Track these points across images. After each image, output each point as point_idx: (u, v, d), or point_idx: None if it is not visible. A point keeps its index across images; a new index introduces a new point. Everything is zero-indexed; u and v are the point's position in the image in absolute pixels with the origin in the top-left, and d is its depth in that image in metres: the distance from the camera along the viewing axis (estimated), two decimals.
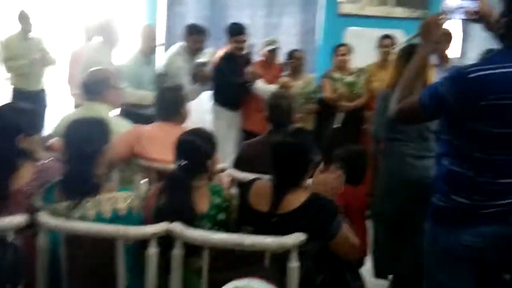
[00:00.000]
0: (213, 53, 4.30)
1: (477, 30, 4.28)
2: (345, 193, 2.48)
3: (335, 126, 4.15)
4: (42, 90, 4.80)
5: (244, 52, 4.28)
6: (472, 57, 4.51)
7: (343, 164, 2.46)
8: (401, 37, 4.55)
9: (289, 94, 3.09)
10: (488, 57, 1.61)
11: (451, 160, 1.66)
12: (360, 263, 2.43)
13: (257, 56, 4.55)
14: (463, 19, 1.76)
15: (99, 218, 1.80)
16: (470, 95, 1.51)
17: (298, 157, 1.89)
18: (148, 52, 3.91)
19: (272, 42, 4.38)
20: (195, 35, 4.02)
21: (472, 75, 1.50)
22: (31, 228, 1.85)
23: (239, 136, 4.36)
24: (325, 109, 4.24)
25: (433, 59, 2.71)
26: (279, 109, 2.57)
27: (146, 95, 3.68)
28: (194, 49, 4.04)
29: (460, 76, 1.53)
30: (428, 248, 1.79)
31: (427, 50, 1.73)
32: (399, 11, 5.09)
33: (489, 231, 1.62)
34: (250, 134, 4.20)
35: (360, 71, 4.32)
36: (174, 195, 1.90)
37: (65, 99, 4.85)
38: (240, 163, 2.60)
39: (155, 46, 3.97)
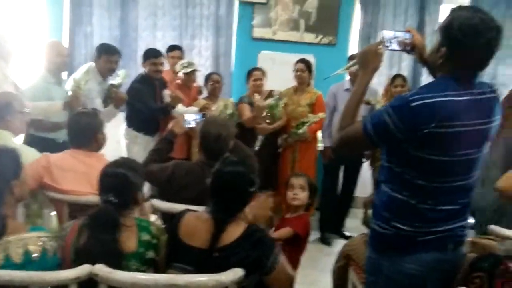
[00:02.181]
0: (125, 74, 4.10)
1: None
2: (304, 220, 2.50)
3: (256, 148, 4.11)
4: None
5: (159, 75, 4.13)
6: None
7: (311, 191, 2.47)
8: (313, 62, 4.68)
9: (224, 121, 2.90)
10: (428, 86, 1.64)
11: (391, 186, 1.67)
12: None
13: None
14: (398, 49, 1.79)
15: (8, 264, 1.59)
16: (413, 123, 1.53)
17: (242, 188, 1.81)
18: (56, 70, 3.57)
19: (189, 65, 4.25)
20: (107, 55, 3.79)
21: (414, 104, 1.52)
22: None
23: None
24: (243, 132, 4.18)
25: None
26: (218, 139, 2.38)
27: (52, 105, 3.34)
28: (105, 70, 3.81)
29: (403, 105, 1.54)
30: (370, 278, 1.78)
31: (367, 79, 1.73)
32: (310, 37, 5.22)
33: (429, 258, 1.64)
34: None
35: (280, 94, 4.32)
36: (99, 233, 1.71)
37: None
38: (169, 188, 2.40)
39: (63, 63, 3.64)
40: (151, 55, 4.09)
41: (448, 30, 1.56)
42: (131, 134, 4.13)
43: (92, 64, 3.82)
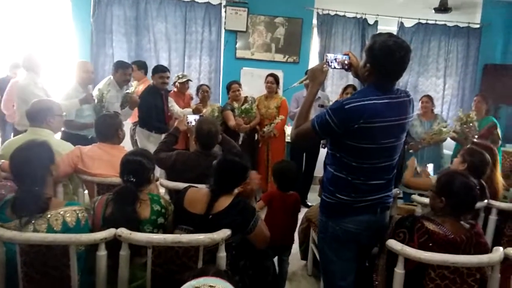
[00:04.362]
0: (137, 84, 4.06)
1: None
2: (272, 193, 2.51)
3: (240, 143, 4.11)
4: None
5: (165, 86, 4.06)
6: None
7: (275, 174, 2.47)
8: (282, 76, 4.70)
9: (214, 120, 2.90)
10: (357, 93, 1.66)
11: (334, 167, 1.69)
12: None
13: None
14: (338, 68, 1.80)
15: (50, 232, 1.57)
16: (347, 120, 1.55)
17: (240, 173, 1.85)
18: (84, 82, 3.54)
19: (183, 76, 4.26)
20: (123, 69, 3.74)
21: (347, 106, 1.54)
22: None
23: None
24: (228, 130, 4.19)
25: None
26: (209, 134, 2.37)
27: (72, 102, 3.32)
28: (121, 81, 3.75)
29: (339, 107, 1.57)
30: (320, 235, 1.82)
31: (315, 90, 1.75)
32: (279, 57, 5.27)
33: (363, 219, 1.68)
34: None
35: (252, 100, 4.35)
36: (122, 205, 1.73)
37: None
38: (173, 171, 2.41)
39: (89, 78, 3.59)
40: (159, 69, 3.98)
41: (371, 50, 1.57)
42: (144, 132, 3.95)
43: (111, 77, 3.78)
